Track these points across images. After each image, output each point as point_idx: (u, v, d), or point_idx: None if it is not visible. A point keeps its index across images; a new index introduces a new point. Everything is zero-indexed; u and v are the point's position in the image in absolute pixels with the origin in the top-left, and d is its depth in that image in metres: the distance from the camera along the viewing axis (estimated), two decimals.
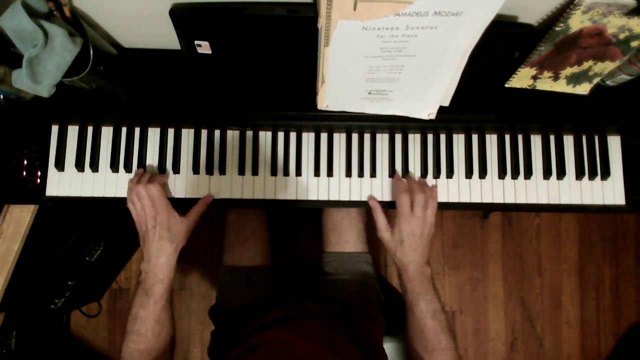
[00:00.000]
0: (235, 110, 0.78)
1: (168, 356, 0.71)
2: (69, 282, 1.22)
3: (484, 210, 1.61)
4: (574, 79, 0.74)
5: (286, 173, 0.81)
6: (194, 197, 0.80)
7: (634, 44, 0.65)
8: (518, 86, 0.77)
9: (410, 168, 0.81)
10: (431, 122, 0.75)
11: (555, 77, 0.74)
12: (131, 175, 0.80)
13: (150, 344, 0.67)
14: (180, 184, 0.80)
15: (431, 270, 0.72)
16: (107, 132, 0.81)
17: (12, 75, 0.60)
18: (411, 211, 0.72)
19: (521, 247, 1.66)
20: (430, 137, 0.82)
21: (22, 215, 0.79)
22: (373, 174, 0.81)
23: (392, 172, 0.81)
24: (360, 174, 0.81)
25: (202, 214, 0.77)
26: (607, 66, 0.71)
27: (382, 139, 0.82)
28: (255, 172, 0.81)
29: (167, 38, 0.69)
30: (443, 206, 0.81)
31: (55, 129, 0.80)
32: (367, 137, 0.82)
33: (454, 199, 0.81)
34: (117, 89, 0.75)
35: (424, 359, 0.68)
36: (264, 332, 0.76)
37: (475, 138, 0.82)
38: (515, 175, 0.81)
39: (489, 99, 0.76)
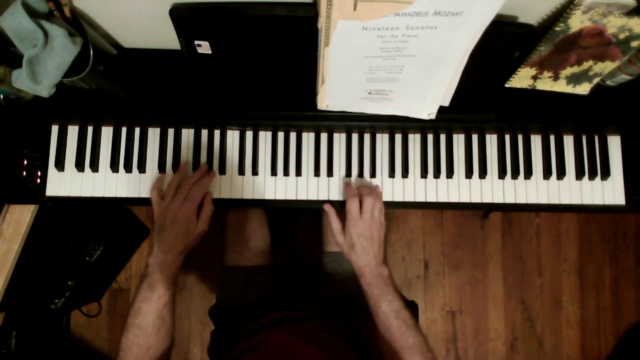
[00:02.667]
0: (235, 110, 0.78)
1: (166, 354, 0.71)
2: (69, 282, 1.22)
3: (484, 210, 1.61)
4: (574, 79, 0.74)
5: (286, 173, 0.81)
6: None
7: (634, 44, 0.65)
8: (518, 86, 0.77)
9: (410, 168, 0.81)
10: (431, 122, 0.75)
11: (555, 77, 0.74)
12: (131, 175, 0.80)
13: (150, 339, 0.67)
14: None
15: (389, 270, 0.72)
16: (107, 132, 0.81)
17: (12, 75, 0.60)
18: (359, 215, 0.73)
19: (521, 247, 1.66)
20: (430, 137, 0.82)
21: (22, 215, 0.79)
22: (373, 174, 0.81)
23: (392, 172, 0.81)
24: (360, 174, 0.81)
25: (212, 215, 0.76)
26: (607, 66, 0.71)
27: (382, 139, 0.82)
28: (255, 172, 0.81)
29: (167, 38, 0.69)
30: (443, 206, 0.81)
31: (55, 129, 0.80)
32: (367, 137, 0.82)
33: (454, 199, 0.81)
34: (117, 89, 0.75)
35: (394, 357, 0.67)
36: (261, 333, 0.76)
37: (475, 138, 0.82)
38: (515, 175, 0.81)
39: (489, 99, 0.76)
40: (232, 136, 0.82)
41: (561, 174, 0.80)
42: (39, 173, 0.78)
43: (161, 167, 0.80)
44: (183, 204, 0.71)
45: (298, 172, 0.81)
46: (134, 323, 0.67)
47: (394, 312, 0.68)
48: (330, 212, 0.77)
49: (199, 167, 0.79)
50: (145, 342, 0.67)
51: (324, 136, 0.82)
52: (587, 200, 0.80)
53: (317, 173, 0.81)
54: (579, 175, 0.81)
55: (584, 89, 0.76)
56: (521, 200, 0.81)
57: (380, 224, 0.74)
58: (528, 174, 0.80)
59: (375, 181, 0.81)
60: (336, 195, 0.81)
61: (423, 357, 0.66)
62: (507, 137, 0.82)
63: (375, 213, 0.74)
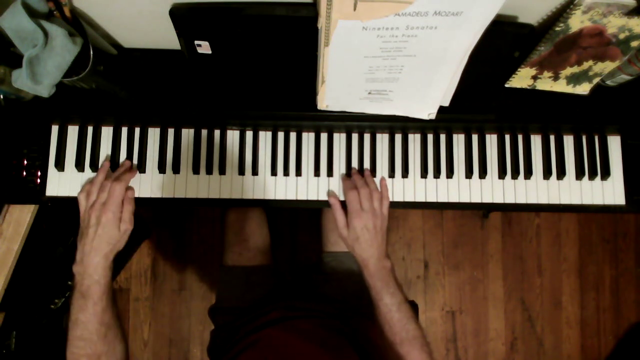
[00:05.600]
0: (235, 110, 0.78)
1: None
2: (69, 282, 1.22)
3: (484, 210, 1.61)
4: (574, 79, 0.74)
5: (286, 173, 0.81)
6: (194, 198, 0.80)
7: (634, 44, 0.65)
8: (518, 86, 0.77)
9: (410, 168, 0.81)
10: (431, 122, 0.75)
11: (555, 77, 0.74)
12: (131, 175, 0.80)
13: (97, 347, 0.64)
14: (180, 184, 0.80)
15: (391, 263, 0.73)
16: (107, 132, 0.81)
17: (12, 75, 0.60)
18: (360, 207, 0.73)
19: (521, 247, 1.66)
20: (430, 137, 0.82)
21: (22, 215, 0.79)
22: (373, 174, 0.81)
23: (392, 172, 0.81)
24: (360, 174, 0.81)
25: (133, 211, 0.73)
26: (607, 66, 0.71)
27: (382, 139, 0.82)
28: (255, 172, 0.81)
29: (167, 38, 0.69)
30: (443, 206, 0.81)
31: (55, 129, 0.80)
32: (367, 137, 0.82)
33: (454, 199, 0.81)
34: (117, 89, 0.75)
35: (394, 350, 0.68)
36: (260, 331, 0.77)
37: (475, 138, 0.82)
38: (515, 175, 0.81)
39: (489, 99, 0.76)
40: (232, 136, 0.82)
41: (561, 174, 0.80)
42: (39, 173, 0.78)
43: (161, 167, 0.80)
44: (105, 204, 0.69)
45: (298, 172, 0.81)
46: (75, 336, 0.64)
47: (396, 304, 0.69)
48: (336, 206, 0.77)
49: (121, 164, 0.77)
50: (94, 352, 0.63)
51: (324, 136, 0.82)
52: (587, 200, 0.80)
53: (317, 173, 0.81)
54: (579, 175, 0.81)
55: (584, 89, 0.77)
56: (521, 200, 0.81)
57: (382, 216, 0.74)
58: (528, 174, 0.80)
59: (375, 181, 0.81)
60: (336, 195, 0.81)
61: (422, 350, 0.67)
62: (507, 137, 0.82)
63: (375, 204, 0.74)
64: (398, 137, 0.82)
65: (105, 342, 0.65)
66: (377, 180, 0.81)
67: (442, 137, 0.82)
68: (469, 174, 0.81)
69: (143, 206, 0.78)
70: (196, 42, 0.65)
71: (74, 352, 0.64)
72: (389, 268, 0.72)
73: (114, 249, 0.69)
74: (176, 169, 0.80)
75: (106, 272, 0.67)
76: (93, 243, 0.67)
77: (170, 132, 0.81)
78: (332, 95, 0.71)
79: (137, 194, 0.79)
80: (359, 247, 0.73)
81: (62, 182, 0.79)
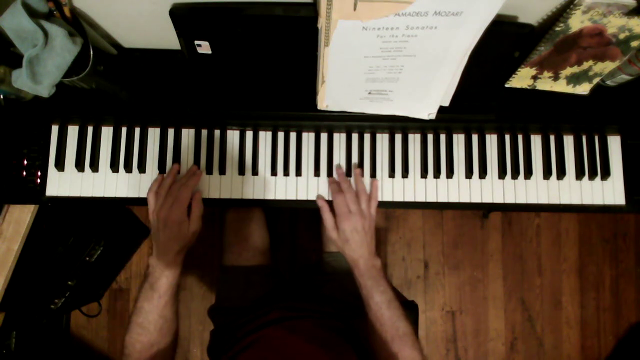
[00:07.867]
0: (235, 110, 0.78)
1: (169, 351, 0.71)
2: (69, 282, 1.22)
3: (484, 210, 1.61)
4: (574, 79, 0.74)
5: (286, 173, 0.81)
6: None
7: (634, 44, 0.65)
8: (518, 86, 0.77)
9: (410, 168, 0.81)
10: (431, 122, 0.75)
11: (555, 77, 0.74)
12: (131, 175, 0.80)
13: (152, 337, 0.68)
14: None
15: (381, 262, 0.74)
16: (107, 132, 0.81)
17: (12, 75, 0.60)
18: (348, 210, 0.74)
19: (521, 247, 1.66)
20: (430, 137, 0.82)
21: (22, 215, 0.79)
22: (373, 174, 0.81)
23: (392, 172, 0.81)
24: (360, 174, 0.81)
25: (202, 214, 0.76)
26: (607, 66, 0.71)
27: (382, 139, 0.82)
28: (255, 172, 0.81)
29: (167, 38, 0.69)
30: (443, 206, 0.81)
31: (55, 129, 0.80)
32: (367, 137, 0.82)
33: (454, 199, 0.81)
34: (117, 89, 0.75)
35: (385, 348, 0.68)
36: (260, 331, 0.77)
37: (475, 138, 0.82)
38: (515, 175, 0.81)
39: (489, 99, 0.76)
40: (232, 136, 0.82)
41: (561, 174, 0.80)
42: (39, 173, 0.78)
43: (161, 167, 0.80)
44: (172, 207, 0.71)
45: (298, 172, 0.81)
46: (136, 322, 0.69)
47: (386, 302, 0.70)
48: (324, 208, 0.78)
49: (188, 170, 0.79)
50: (149, 340, 0.68)
51: (324, 136, 0.82)
52: (587, 200, 0.80)
53: (317, 173, 0.81)
54: (579, 175, 0.81)
55: (584, 89, 0.77)
56: (521, 200, 0.81)
57: (370, 217, 0.75)
58: (528, 174, 0.80)
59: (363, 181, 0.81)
60: None
61: (413, 347, 0.67)
62: (507, 137, 0.82)
63: (363, 205, 0.75)
64: (398, 137, 0.82)
65: (160, 334, 0.69)
66: (377, 179, 0.81)
67: (442, 137, 0.82)
68: (469, 174, 0.81)
69: (143, 206, 0.78)
70: (196, 42, 0.65)
71: (132, 337, 0.68)
72: (379, 267, 0.73)
73: (184, 247, 0.73)
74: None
75: (176, 269, 0.71)
76: (164, 243, 0.71)
77: (170, 132, 0.81)
78: (332, 95, 0.71)
79: (137, 194, 0.80)
80: (349, 248, 0.74)
81: (62, 182, 0.79)
